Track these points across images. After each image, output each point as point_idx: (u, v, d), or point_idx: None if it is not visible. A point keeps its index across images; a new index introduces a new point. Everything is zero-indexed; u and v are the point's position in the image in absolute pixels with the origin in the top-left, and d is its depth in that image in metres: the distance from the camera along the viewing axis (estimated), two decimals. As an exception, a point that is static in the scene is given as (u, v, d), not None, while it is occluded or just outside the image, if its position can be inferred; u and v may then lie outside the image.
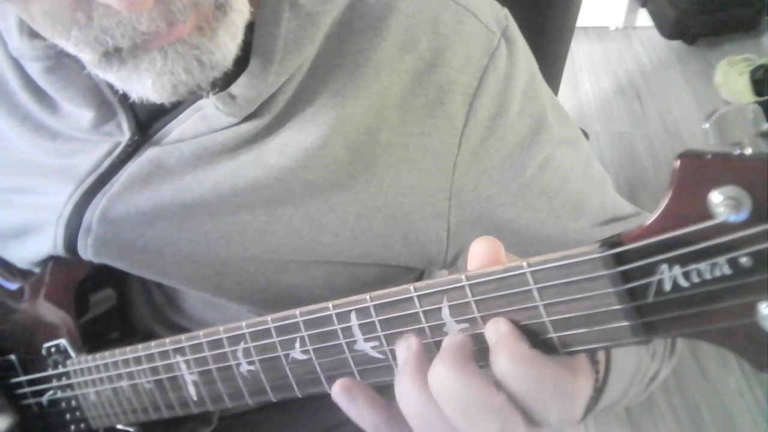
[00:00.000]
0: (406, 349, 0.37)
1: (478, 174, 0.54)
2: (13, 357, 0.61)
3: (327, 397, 0.42)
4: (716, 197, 0.28)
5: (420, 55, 0.52)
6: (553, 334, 0.33)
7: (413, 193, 0.53)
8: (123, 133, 0.55)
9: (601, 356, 0.42)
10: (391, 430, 0.38)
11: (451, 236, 0.56)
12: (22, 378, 0.61)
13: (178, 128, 0.53)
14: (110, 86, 0.54)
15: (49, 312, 0.59)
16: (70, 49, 0.43)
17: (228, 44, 0.44)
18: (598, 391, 0.43)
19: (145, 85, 0.44)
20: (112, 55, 0.42)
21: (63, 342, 0.57)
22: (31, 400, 0.61)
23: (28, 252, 0.60)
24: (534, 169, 0.54)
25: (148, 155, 0.54)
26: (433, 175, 0.53)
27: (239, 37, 0.45)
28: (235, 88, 0.50)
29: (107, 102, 0.54)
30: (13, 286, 0.62)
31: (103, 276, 0.59)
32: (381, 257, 0.55)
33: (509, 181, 0.54)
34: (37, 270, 0.61)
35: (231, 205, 0.52)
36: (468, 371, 0.34)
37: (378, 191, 0.53)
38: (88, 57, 0.43)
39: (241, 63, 0.50)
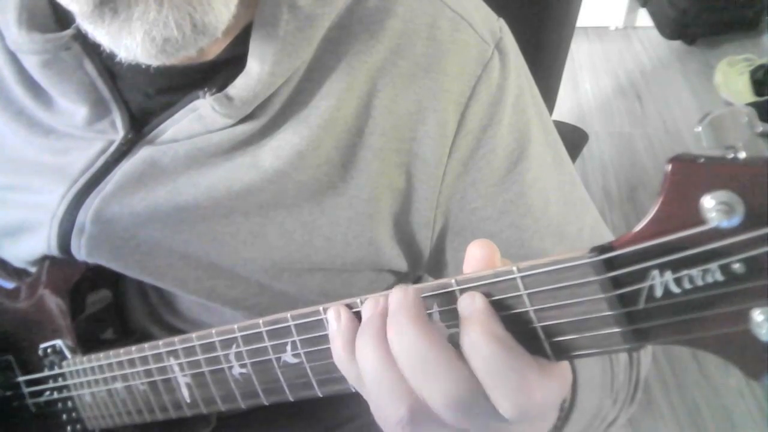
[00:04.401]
0: (372, 306, 0.36)
1: (466, 185, 0.54)
2: (10, 357, 0.61)
3: (327, 397, 0.42)
4: (708, 202, 0.27)
5: (415, 60, 0.52)
6: (543, 340, 0.33)
7: (403, 198, 0.53)
8: (117, 131, 0.54)
9: (566, 394, 0.42)
10: (349, 363, 0.37)
11: (434, 244, 0.56)
12: (20, 378, 0.61)
13: (173, 128, 0.53)
14: (105, 83, 0.54)
15: (46, 312, 0.59)
16: None
17: (221, 9, 0.44)
18: (558, 428, 0.43)
19: (135, 39, 0.43)
20: (106, 5, 0.42)
21: (59, 343, 0.57)
22: (28, 401, 0.61)
23: (22, 251, 0.59)
24: (522, 187, 0.54)
25: (142, 154, 0.53)
26: (422, 182, 0.53)
27: (232, 7, 0.45)
28: (232, 89, 0.50)
29: (102, 99, 0.54)
30: (10, 285, 0.62)
31: (100, 276, 0.59)
32: (374, 262, 0.55)
33: (495, 195, 0.54)
34: (33, 269, 0.60)
35: (225, 208, 0.52)
36: (429, 327, 0.33)
37: (370, 197, 0.52)
38: (80, 7, 0.42)
39: (237, 65, 0.50)
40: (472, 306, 0.33)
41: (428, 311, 0.36)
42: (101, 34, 0.44)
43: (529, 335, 0.33)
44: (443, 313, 0.36)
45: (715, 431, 1.43)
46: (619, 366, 0.55)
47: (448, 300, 0.35)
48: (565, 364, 0.35)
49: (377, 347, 0.35)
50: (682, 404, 1.47)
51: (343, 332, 0.38)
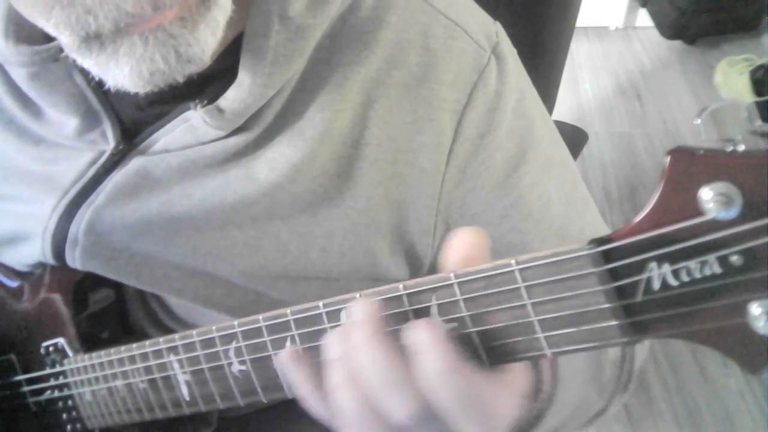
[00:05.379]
0: (342, 340, 0.37)
1: (466, 192, 0.54)
2: (12, 356, 0.61)
3: None
4: (706, 194, 0.28)
5: (409, 70, 0.52)
6: (540, 334, 0.33)
7: (401, 208, 0.53)
8: (108, 141, 0.54)
9: (545, 385, 0.43)
10: (320, 404, 0.38)
11: (436, 251, 0.56)
12: (21, 377, 0.61)
13: (165, 138, 0.53)
14: (96, 93, 0.53)
15: (48, 311, 0.59)
16: (50, 30, 0.42)
17: (207, 39, 0.43)
18: (537, 418, 0.43)
19: (122, 71, 0.43)
20: (93, 40, 0.41)
21: (61, 341, 0.57)
22: (29, 400, 0.61)
23: (21, 257, 0.59)
24: (522, 191, 0.54)
25: (134, 165, 0.53)
26: (420, 191, 0.53)
27: (219, 32, 0.45)
28: (224, 101, 0.49)
29: (92, 109, 0.54)
30: (14, 283, 0.62)
31: (102, 275, 0.59)
32: (370, 272, 0.55)
33: (496, 200, 0.54)
34: (36, 271, 0.60)
35: (219, 220, 0.52)
36: (387, 344, 0.35)
37: (367, 208, 0.52)
38: (67, 40, 0.42)
39: (230, 75, 0.49)
40: (427, 339, 0.34)
41: (426, 304, 0.36)
42: (89, 64, 0.44)
43: (525, 329, 0.33)
44: (441, 306, 0.36)
45: (715, 431, 1.43)
46: (607, 359, 0.56)
47: (446, 294, 0.35)
48: (520, 375, 0.36)
49: (357, 390, 0.35)
50: (682, 404, 1.47)
51: (307, 375, 0.39)
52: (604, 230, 0.60)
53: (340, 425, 0.38)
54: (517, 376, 0.36)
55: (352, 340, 0.36)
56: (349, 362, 0.36)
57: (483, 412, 0.33)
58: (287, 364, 0.39)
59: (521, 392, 0.36)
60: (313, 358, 0.39)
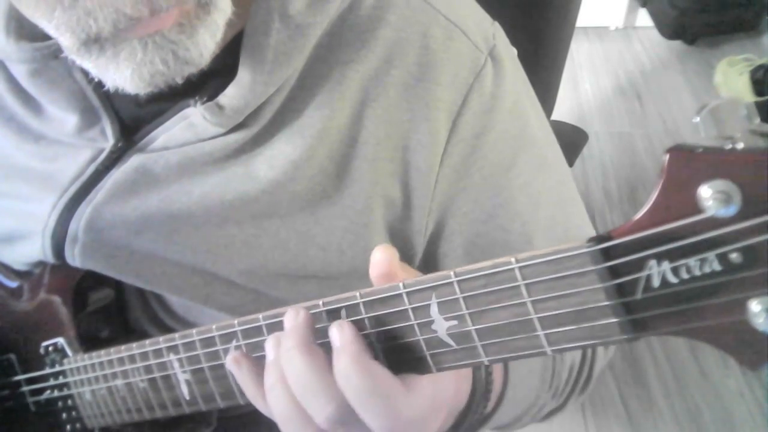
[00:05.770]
0: (275, 346, 0.39)
1: (458, 191, 0.54)
2: (12, 356, 0.61)
3: None
4: (706, 191, 0.27)
5: (408, 69, 0.52)
6: (540, 332, 0.33)
7: (399, 207, 0.54)
8: (107, 139, 0.54)
9: (495, 385, 0.45)
10: (262, 404, 0.41)
11: (425, 249, 0.56)
12: (21, 377, 0.61)
13: (164, 135, 0.53)
14: (95, 91, 0.54)
15: (48, 311, 0.59)
16: (51, 31, 0.42)
17: (207, 42, 0.44)
18: (486, 416, 0.46)
19: (123, 74, 0.43)
20: (92, 43, 0.42)
21: (61, 340, 0.57)
22: (28, 400, 0.61)
23: (19, 256, 0.59)
24: (512, 192, 0.54)
25: (133, 162, 0.53)
26: (415, 189, 0.53)
27: (219, 35, 0.45)
28: (224, 98, 0.49)
29: (92, 107, 0.54)
30: (13, 284, 0.62)
31: (102, 274, 0.59)
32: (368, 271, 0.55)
33: (485, 200, 0.54)
34: (35, 270, 0.60)
35: (218, 217, 0.52)
36: (313, 353, 0.37)
37: (365, 207, 0.52)
38: (67, 42, 0.42)
39: (228, 73, 0.49)
40: (341, 337, 0.37)
41: (426, 303, 0.36)
42: (88, 66, 0.44)
43: (525, 327, 0.33)
44: (441, 304, 0.36)
45: (715, 431, 1.43)
46: (563, 364, 0.57)
47: (446, 292, 0.35)
48: (436, 383, 0.38)
49: (286, 392, 0.38)
50: (682, 404, 1.47)
51: (249, 376, 0.41)
52: (590, 232, 0.60)
53: (278, 424, 0.40)
54: (431, 383, 0.38)
55: (281, 346, 0.38)
56: (279, 367, 0.38)
57: (384, 409, 0.36)
58: (230, 366, 0.42)
59: (429, 396, 0.38)
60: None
